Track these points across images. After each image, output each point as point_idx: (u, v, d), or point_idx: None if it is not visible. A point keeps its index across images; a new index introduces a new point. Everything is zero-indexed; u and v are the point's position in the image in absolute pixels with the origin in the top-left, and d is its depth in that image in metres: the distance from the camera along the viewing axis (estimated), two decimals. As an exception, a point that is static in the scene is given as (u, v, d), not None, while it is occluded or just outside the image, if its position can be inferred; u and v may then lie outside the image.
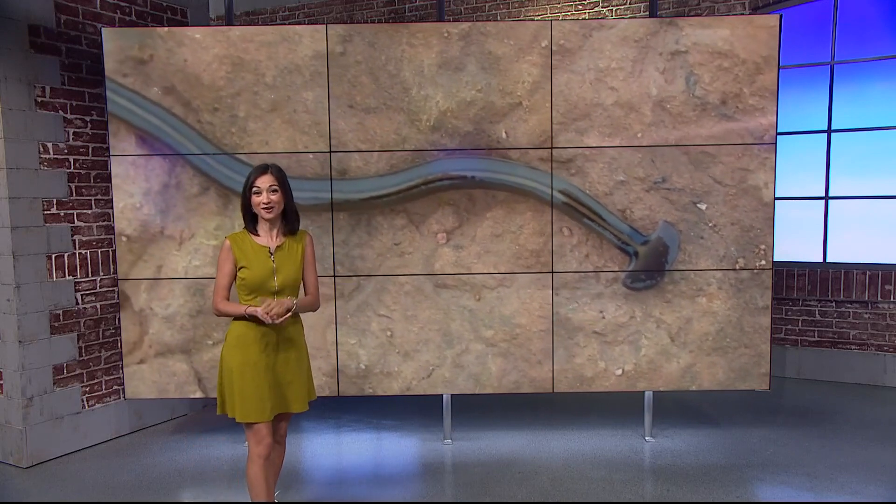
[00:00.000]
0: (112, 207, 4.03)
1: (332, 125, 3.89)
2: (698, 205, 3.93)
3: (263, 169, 2.78)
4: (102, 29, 3.87)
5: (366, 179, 3.92)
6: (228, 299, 2.82)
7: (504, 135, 3.89)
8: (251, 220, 2.83)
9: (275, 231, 2.84)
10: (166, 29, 3.88)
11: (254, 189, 2.75)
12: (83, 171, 4.13)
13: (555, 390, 4.04)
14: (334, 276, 3.97)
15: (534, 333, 4.01)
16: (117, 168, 3.89)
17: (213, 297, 2.84)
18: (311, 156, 3.89)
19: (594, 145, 3.90)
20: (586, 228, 3.95)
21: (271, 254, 2.80)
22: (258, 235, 2.83)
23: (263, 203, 2.75)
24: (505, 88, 3.87)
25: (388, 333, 4.02)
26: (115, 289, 4.26)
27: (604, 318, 4.00)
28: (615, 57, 3.85)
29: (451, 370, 4.04)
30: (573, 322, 4.01)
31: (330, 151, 3.91)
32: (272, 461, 2.95)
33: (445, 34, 3.84)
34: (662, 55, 3.84)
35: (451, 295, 4.00)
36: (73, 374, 4.10)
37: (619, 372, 4.03)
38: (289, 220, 2.85)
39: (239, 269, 2.79)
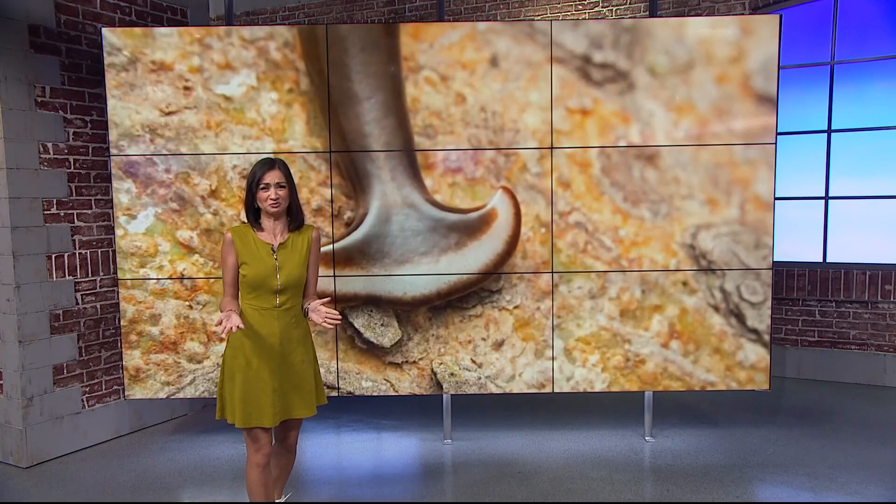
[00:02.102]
0: (112, 207, 4.03)
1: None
2: None
3: (270, 164, 2.70)
4: (102, 29, 3.87)
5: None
6: (235, 296, 2.75)
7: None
8: (255, 216, 2.76)
9: (279, 227, 2.76)
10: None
11: (261, 185, 2.68)
12: (83, 171, 4.13)
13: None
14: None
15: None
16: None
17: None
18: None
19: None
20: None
21: (274, 251, 2.73)
22: (262, 231, 2.76)
23: (271, 198, 2.67)
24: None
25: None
26: (115, 289, 4.25)
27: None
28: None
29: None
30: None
31: (330, 151, 3.91)
32: (282, 467, 2.94)
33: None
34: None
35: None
36: (73, 374, 4.10)
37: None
38: (294, 215, 2.78)
39: (240, 266, 2.71)
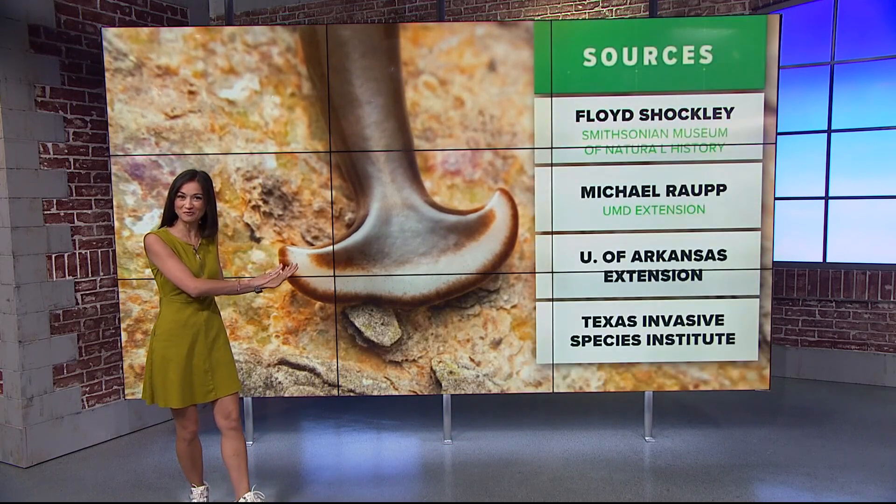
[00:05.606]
0: (112, 207, 4.03)
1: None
2: None
3: (191, 176, 2.92)
4: (102, 29, 3.87)
5: None
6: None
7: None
8: (170, 221, 2.97)
9: (192, 233, 3.00)
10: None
11: (179, 194, 2.90)
12: (83, 171, 4.13)
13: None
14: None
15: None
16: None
17: (182, 282, 2.86)
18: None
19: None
20: None
21: (196, 251, 2.97)
22: (178, 235, 2.96)
23: (186, 207, 2.90)
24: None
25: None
26: (115, 289, 4.26)
27: None
28: None
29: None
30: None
31: (330, 151, 3.92)
32: (236, 453, 3.10)
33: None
34: None
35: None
36: (73, 374, 4.10)
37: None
38: (206, 225, 3.01)
39: None
